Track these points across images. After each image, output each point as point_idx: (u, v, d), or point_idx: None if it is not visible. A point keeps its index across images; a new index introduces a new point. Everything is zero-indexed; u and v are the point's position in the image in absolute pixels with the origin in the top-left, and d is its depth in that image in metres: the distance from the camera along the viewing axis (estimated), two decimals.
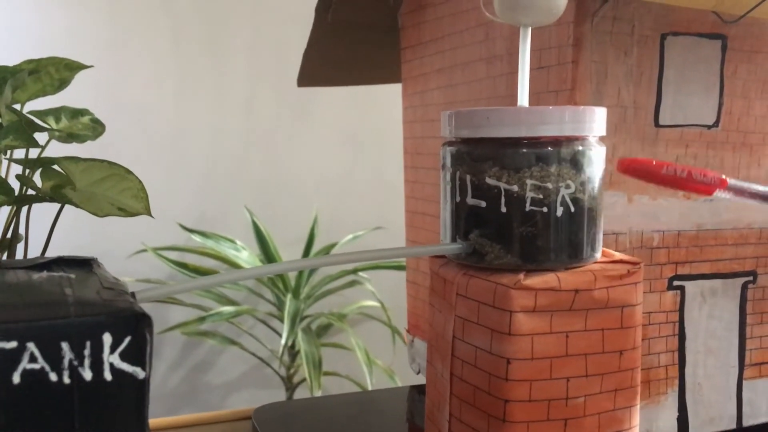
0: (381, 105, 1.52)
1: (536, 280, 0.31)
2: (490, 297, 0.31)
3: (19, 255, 0.46)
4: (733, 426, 0.48)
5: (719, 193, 0.33)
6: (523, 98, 0.33)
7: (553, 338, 0.31)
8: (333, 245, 1.38)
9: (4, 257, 0.44)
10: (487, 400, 0.32)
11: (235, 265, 1.29)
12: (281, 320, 1.30)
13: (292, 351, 1.31)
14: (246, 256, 1.31)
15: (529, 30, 0.33)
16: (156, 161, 1.40)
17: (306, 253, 1.37)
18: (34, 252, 0.43)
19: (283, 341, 1.20)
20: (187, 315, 1.31)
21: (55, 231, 0.47)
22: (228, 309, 1.28)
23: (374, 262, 1.34)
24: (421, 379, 0.60)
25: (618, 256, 0.34)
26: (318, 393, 1.17)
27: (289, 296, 1.26)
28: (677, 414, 0.46)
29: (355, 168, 1.54)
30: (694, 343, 0.46)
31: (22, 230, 0.48)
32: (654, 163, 0.32)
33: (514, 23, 0.33)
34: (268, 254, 1.34)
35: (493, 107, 0.32)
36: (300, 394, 1.37)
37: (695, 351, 0.46)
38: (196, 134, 1.44)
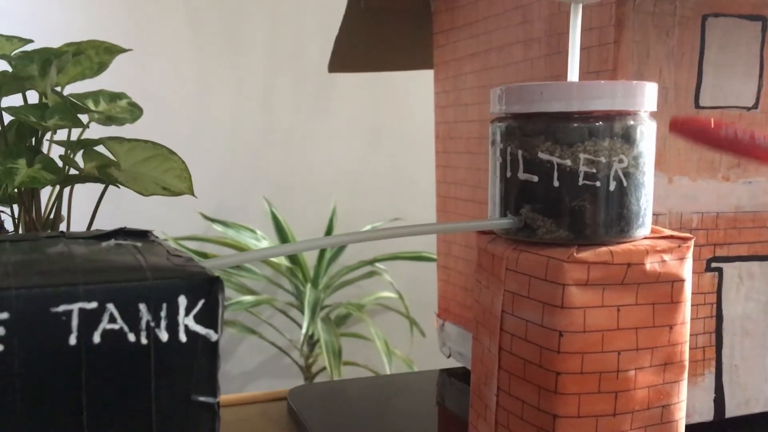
0: (398, 97, 1.53)
1: (589, 254, 0.31)
2: (542, 271, 0.32)
3: None
4: None
5: None
6: (573, 74, 0.33)
7: (604, 311, 0.31)
8: None
9: None
10: (538, 373, 0.32)
11: None
12: (299, 310, 1.30)
13: (311, 340, 1.31)
14: (266, 246, 1.32)
15: (580, 7, 0.33)
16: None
17: None
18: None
19: (303, 330, 1.20)
20: None
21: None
22: (247, 298, 1.28)
23: (393, 253, 1.34)
24: (444, 364, 0.60)
25: (667, 232, 0.34)
26: None
27: (308, 286, 1.26)
28: (714, 395, 0.46)
29: (372, 160, 1.54)
30: (731, 324, 0.46)
31: (63, 211, 0.48)
32: (713, 123, 0.31)
33: (566, 0, 0.33)
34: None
35: (545, 82, 0.32)
36: None
37: (732, 333, 0.46)
38: (215, 126, 1.45)
